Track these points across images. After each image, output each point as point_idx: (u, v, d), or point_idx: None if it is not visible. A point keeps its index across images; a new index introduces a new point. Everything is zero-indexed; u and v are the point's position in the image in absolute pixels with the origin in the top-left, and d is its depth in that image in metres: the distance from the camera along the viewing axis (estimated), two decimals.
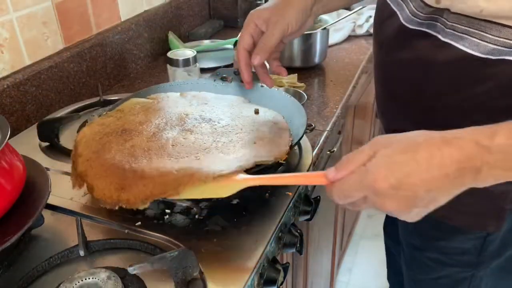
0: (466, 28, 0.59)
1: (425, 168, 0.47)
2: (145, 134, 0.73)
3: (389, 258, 1.14)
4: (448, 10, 0.60)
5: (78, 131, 0.89)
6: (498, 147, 0.46)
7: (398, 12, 0.69)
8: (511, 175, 0.47)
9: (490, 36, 0.57)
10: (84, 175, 0.64)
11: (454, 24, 0.60)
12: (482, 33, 0.58)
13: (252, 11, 0.76)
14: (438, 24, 0.62)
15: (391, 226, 1.06)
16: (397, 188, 0.47)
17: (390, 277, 1.16)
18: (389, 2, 0.71)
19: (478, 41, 0.58)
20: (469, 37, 0.59)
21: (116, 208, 0.60)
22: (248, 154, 0.68)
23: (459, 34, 0.60)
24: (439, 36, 0.62)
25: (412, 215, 0.51)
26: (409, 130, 0.51)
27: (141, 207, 0.60)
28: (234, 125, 0.77)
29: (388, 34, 0.71)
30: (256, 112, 0.81)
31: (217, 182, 0.59)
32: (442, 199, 0.50)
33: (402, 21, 0.67)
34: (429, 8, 0.63)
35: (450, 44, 0.61)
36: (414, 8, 0.65)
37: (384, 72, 0.75)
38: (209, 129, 0.76)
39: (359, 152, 0.51)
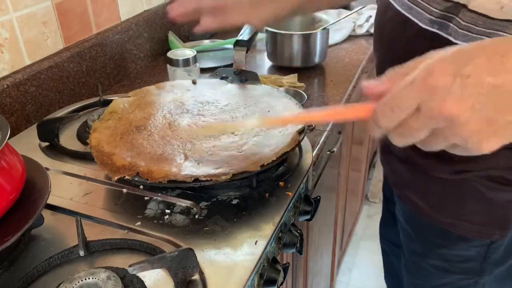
0: (482, 29, 0.54)
1: (498, 61, 0.35)
2: (161, 127, 0.78)
3: (385, 259, 1.13)
4: (465, 7, 0.56)
5: (77, 135, 0.89)
6: None
7: (404, 12, 0.65)
8: None
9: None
10: (133, 165, 0.68)
11: (469, 25, 0.56)
12: (500, 32, 0.52)
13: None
14: (452, 24, 0.58)
15: (387, 228, 1.05)
16: (461, 76, 0.35)
17: (386, 279, 1.15)
18: (393, 2, 0.67)
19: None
20: (485, 38, 0.54)
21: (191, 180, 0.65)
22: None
23: (473, 35, 0.55)
24: (451, 38, 0.57)
25: (483, 136, 0.36)
26: None
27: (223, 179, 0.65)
28: (236, 103, 0.85)
29: (393, 35, 0.68)
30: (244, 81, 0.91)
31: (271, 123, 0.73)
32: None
33: (412, 18, 0.63)
34: (445, 3, 0.58)
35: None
36: (427, 4, 0.61)
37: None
38: (216, 110, 0.83)
39: (405, 66, 0.39)
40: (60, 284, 0.55)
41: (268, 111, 0.81)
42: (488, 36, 0.55)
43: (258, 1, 0.72)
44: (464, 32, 0.57)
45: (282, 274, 0.66)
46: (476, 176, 0.66)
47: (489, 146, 0.37)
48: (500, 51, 0.36)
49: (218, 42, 1.42)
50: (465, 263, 0.75)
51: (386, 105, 0.38)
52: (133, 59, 1.26)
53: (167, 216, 0.67)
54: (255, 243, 0.62)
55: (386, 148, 0.80)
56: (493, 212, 0.69)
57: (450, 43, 0.57)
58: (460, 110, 0.35)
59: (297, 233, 0.73)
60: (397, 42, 0.67)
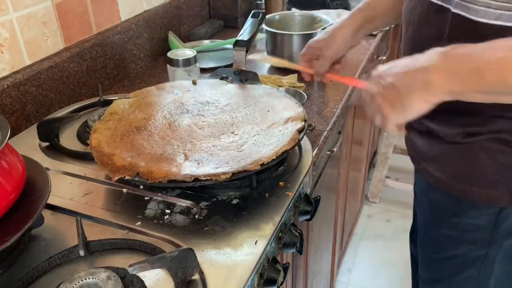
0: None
1: (408, 60, 0.64)
2: (161, 127, 0.78)
3: (414, 267, 1.13)
4: None
5: (77, 135, 0.89)
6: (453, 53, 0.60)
7: None
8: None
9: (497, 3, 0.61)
10: (133, 165, 0.69)
11: None
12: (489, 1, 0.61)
13: (308, 42, 0.98)
14: None
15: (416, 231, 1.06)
16: (386, 73, 0.65)
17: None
18: None
19: (486, 9, 0.62)
20: (475, 6, 0.62)
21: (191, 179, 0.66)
22: (272, 120, 0.79)
23: (465, 4, 0.63)
24: (450, 8, 0.66)
25: (394, 115, 0.64)
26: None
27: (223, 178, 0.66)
28: (236, 103, 0.85)
29: (416, 12, 0.75)
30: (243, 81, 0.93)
31: None
32: (417, 97, 0.61)
33: None
34: None
35: (459, 15, 0.65)
36: None
37: (411, 49, 0.77)
38: (216, 110, 0.83)
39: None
40: (60, 284, 0.55)
41: (268, 111, 0.82)
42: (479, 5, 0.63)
43: (328, 36, 0.95)
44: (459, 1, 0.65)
45: (282, 274, 0.66)
46: (487, 139, 0.70)
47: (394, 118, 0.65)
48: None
49: (218, 42, 1.42)
50: (475, 232, 0.78)
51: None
52: (133, 59, 1.26)
53: (167, 216, 0.67)
54: (255, 243, 0.62)
55: (408, 123, 0.84)
56: (503, 176, 0.72)
57: (454, 15, 0.67)
58: (380, 95, 0.65)
59: (297, 233, 0.73)
60: (414, 14, 0.76)
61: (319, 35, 1.00)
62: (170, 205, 0.70)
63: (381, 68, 0.67)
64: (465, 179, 0.75)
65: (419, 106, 0.62)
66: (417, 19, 0.74)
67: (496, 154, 0.71)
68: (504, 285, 0.82)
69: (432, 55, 0.61)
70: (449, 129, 0.74)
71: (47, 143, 0.86)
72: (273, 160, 0.69)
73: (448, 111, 0.70)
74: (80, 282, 0.54)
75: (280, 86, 1.07)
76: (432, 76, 0.60)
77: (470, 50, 0.59)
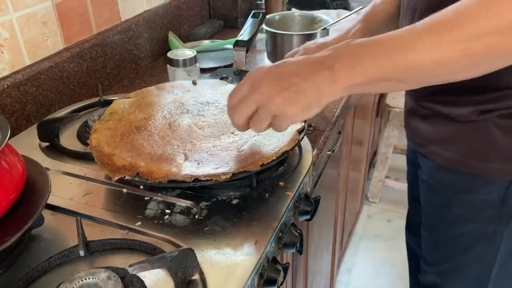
0: None
1: (296, 59, 0.62)
2: (161, 127, 0.78)
3: (411, 260, 1.14)
4: None
5: (77, 135, 0.89)
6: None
7: None
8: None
9: None
10: (133, 165, 0.69)
11: None
12: None
13: (306, 44, 0.96)
14: None
15: (412, 221, 1.07)
16: (271, 68, 0.62)
17: (411, 280, 1.16)
18: None
19: None
20: None
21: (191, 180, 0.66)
22: None
23: None
24: None
25: (282, 102, 0.59)
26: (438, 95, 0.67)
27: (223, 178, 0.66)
28: None
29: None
30: None
31: None
32: (306, 86, 0.59)
33: None
34: None
35: None
36: None
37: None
38: (216, 110, 0.83)
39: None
40: (60, 284, 0.55)
41: None
42: None
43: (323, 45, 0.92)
44: None
45: (282, 274, 0.66)
46: (500, 115, 0.71)
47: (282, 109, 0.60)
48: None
49: (218, 42, 1.42)
50: (485, 209, 0.78)
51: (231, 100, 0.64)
52: (133, 59, 1.26)
53: (167, 216, 0.67)
54: (255, 243, 0.62)
55: (411, 110, 0.85)
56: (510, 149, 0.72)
57: None
58: (267, 86, 0.61)
59: (297, 233, 0.73)
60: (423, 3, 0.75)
61: (318, 39, 0.99)
62: (170, 205, 0.70)
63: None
64: (479, 157, 0.75)
65: (325, 97, 0.60)
66: None
67: (510, 128, 0.71)
68: (509, 262, 0.83)
69: (336, 46, 0.60)
70: (461, 109, 0.74)
71: (47, 143, 0.86)
72: (273, 160, 0.69)
73: (458, 92, 0.70)
74: (80, 282, 0.54)
75: None
76: (335, 64, 0.58)
77: (380, 36, 0.58)
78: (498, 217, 0.78)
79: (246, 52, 1.00)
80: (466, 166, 0.77)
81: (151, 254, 0.61)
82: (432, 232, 0.91)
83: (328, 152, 1.07)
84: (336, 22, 1.29)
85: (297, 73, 0.60)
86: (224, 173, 0.66)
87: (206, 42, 1.43)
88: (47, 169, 0.70)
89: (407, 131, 0.89)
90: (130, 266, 0.52)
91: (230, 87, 0.91)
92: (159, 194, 0.71)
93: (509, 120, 0.71)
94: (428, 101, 0.79)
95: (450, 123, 0.76)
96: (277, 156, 0.69)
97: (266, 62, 1.31)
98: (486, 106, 0.71)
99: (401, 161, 2.08)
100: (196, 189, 0.71)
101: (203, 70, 1.18)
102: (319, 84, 0.59)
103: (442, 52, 0.54)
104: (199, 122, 0.79)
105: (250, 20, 1.13)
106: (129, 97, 0.87)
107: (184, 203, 0.70)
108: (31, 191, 0.61)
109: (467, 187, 0.79)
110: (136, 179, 0.67)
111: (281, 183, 0.73)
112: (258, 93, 0.60)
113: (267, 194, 0.71)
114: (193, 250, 0.56)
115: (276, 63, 0.64)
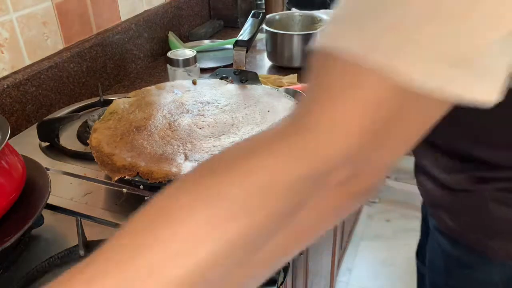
0: None
1: None
2: (161, 127, 0.78)
3: (421, 283, 1.10)
4: None
5: (77, 135, 0.89)
6: None
7: None
8: None
9: None
10: (133, 165, 0.68)
11: None
12: None
13: None
14: None
15: (421, 250, 1.01)
16: None
17: None
18: None
19: None
20: None
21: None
22: (272, 120, 0.79)
23: None
24: None
25: None
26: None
27: None
28: (235, 103, 0.85)
29: None
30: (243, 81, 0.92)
31: None
32: None
33: None
34: None
35: None
36: None
37: None
38: (216, 110, 0.83)
39: None
40: None
41: (268, 111, 0.82)
42: None
43: None
44: None
45: (282, 274, 0.66)
46: (498, 188, 0.63)
47: None
48: None
49: (218, 42, 1.42)
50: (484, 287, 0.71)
51: None
52: (133, 59, 1.26)
53: None
54: None
55: (420, 168, 0.77)
56: None
57: None
58: None
59: None
60: None
61: None
62: None
63: None
64: (478, 231, 0.68)
65: None
66: None
67: (510, 204, 0.63)
68: None
69: None
70: (455, 175, 0.66)
71: (47, 143, 0.86)
72: None
73: (448, 155, 0.63)
74: None
75: (280, 86, 1.07)
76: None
77: None
78: None
79: (246, 52, 1.00)
80: (467, 239, 0.69)
81: None
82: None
83: None
84: None
85: None
86: None
87: (206, 42, 1.43)
88: (47, 169, 0.70)
89: (417, 181, 0.81)
90: None
91: (230, 87, 0.91)
92: None
93: (508, 194, 0.62)
94: (425, 163, 0.70)
95: (448, 189, 0.69)
96: None
97: (266, 62, 1.31)
98: (481, 174, 0.63)
99: (401, 161, 2.08)
100: None
101: (203, 70, 1.18)
102: None
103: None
104: (199, 122, 0.79)
105: (250, 20, 1.13)
106: (129, 97, 0.87)
107: None
108: (31, 191, 0.61)
109: (468, 261, 0.71)
110: (136, 179, 0.67)
111: None
112: None
113: None
114: None
115: None
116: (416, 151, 0.73)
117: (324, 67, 0.33)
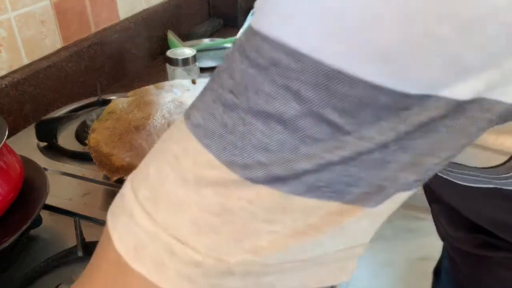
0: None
1: None
2: (160, 127, 0.77)
3: None
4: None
5: (76, 135, 0.89)
6: None
7: None
8: None
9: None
10: (132, 166, 0.68)
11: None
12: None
13: None
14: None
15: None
16: None
17: None
18: None
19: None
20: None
21: None
22: None
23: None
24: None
25: None
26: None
27: None
28: None
29: None
30: None
31: None
32: None
33: None
34: None
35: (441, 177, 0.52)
36: None
37: None
38: None
39: None
40: (59, 285, 0.54)
41: None
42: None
43: None
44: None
45: None
46: (503, 257, 0.58)
47: None
48: None
49: (218, 41, 1.41)
50: None
51: None
52: (132, 58, 1.26)
53: None
54: None
55: (437, 222, 0.73)
56: None
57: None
58: None
59: None
60: None
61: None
62: None
63: None
64: None
65: None
66: None
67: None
68: None
69: None
70: (457, 232, 0.63)
71: (45, 143, 0.85)
72: None
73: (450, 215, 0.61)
74: None
75: None
76: None
77: None
78: None
79: None
80: None
81: None
82: None
83: None
84: None
85: None
86: None
87: (206, 41, 1.43)
88: (45, 169, 0.69)
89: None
90: None
91: None
92: None
93: None
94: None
95: (457, 249, 0.66)
96: None
97: None
98: (488, 239, 0.58)
99: None
100: None
101: (202, 69, 1.17)
102: None
103: None
104: None
105: (249, 19, 1.12)
106: (128, 97, 0.87)
107: None
108: (29, 192, 0.60)
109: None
110: None
111: None
112: None
113: None
114: None
115: None
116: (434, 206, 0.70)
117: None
